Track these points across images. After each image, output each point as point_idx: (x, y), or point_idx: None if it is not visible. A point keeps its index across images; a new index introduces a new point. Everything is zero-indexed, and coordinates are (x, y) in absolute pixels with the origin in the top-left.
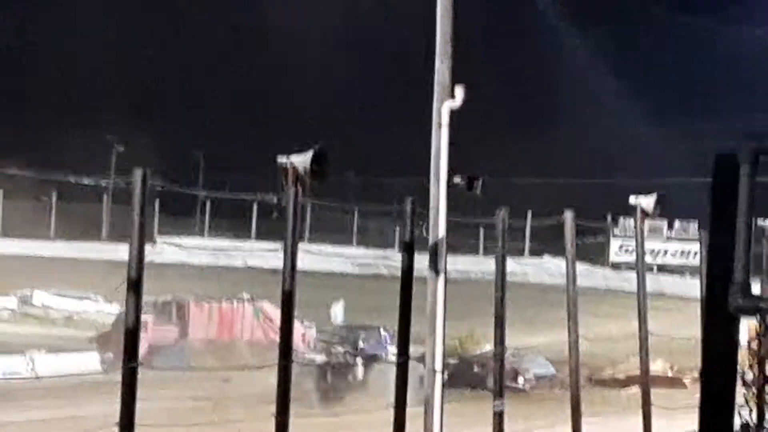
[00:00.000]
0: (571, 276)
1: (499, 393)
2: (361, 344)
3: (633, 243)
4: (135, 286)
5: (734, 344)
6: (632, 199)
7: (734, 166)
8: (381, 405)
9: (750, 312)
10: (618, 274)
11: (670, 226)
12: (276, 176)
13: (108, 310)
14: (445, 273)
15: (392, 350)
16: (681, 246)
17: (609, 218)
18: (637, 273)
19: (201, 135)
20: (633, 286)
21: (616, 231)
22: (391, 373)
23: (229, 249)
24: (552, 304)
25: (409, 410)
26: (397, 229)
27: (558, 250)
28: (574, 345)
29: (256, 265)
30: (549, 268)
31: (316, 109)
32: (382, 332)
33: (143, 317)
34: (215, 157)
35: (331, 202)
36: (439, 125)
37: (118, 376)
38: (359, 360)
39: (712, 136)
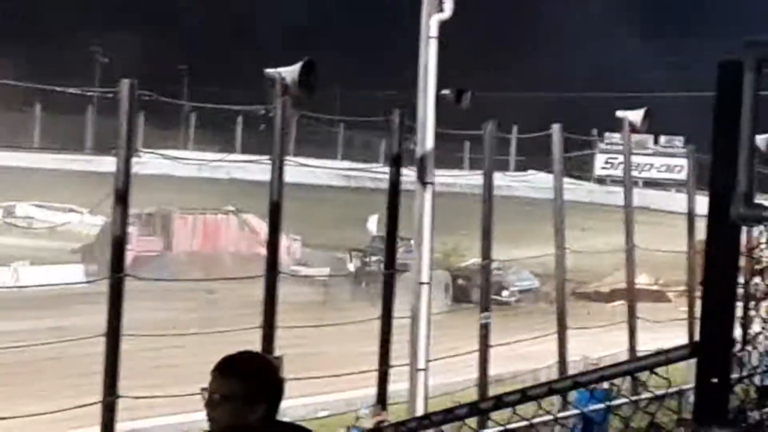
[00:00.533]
0: (559, 190)
1: (485, 306)
2: None
3: (619, 157)
4: (121, 198)
5: (736, 253)
6: (620, 114)
7: (738, 73)
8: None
9: (753, 220)
10: (603, 188)
11: (656, 140)
12: (263, 90)
13: (92, 222)
14: (433, 185)
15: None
16: (667, 161)
17: (595, 132)
18: (624, 187)
19: (186, 48)
20: (618, 200)
21: (602, 145)
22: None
23: (214, 161)
24: (537, 218)
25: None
26: (383, 142)
27: (543, 165)
28: (560, 258)
29: (240, 178)
30: (534, 183)
31: (302, 24)
32: (413, 243)
33: (128, 229)
34: (201, 71)
35: (317, 114)
36: (428, 37)
37: (101, 288)
38: None
39: (697, 51)
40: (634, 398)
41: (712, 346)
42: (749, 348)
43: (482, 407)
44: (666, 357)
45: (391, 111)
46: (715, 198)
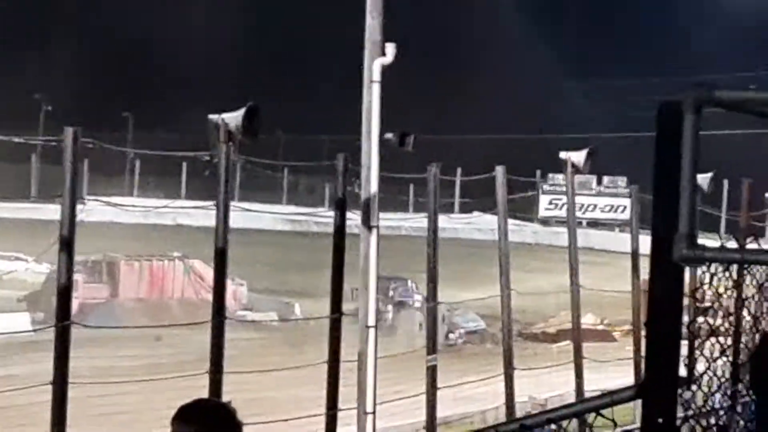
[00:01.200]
0: (503, 231)
1: (432, 348)
2: (391, 293)
3: (562, 198)
4: (66, 245)
5: (680, 294)
6: (563, 155)
7: (678, 114)
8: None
9: (696, 262)
10: (548, 229)
11: (599, 181)
12: (207, 135)
13: (38, 270)
14: (378, 229)
15: (418, 297)
16: (610, 201)
17: (538, 174)
18: (568, 227)
19: (130, 95)
20: (562, 241)
21: (546, 186)
22: (416, 317)
23: (159, 207)
24: (482, 259)
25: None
26: (327, 186)
27: (488, 206)
28: (506, 300)
29: (186, 224)
30: (479, 224)
31: (245, 68)
32: (410, 283)
33: (74, 276)
34: (144, 117)
35: (261, 160)
36: (371, 81)
37: (48, 336)
38: (390, 306)
39: (637, 92)
40: None
41: (657, 386)
42: (694, 388)
43: None
44: (611, 399)
45: (335, 155)
46: (658, 239)
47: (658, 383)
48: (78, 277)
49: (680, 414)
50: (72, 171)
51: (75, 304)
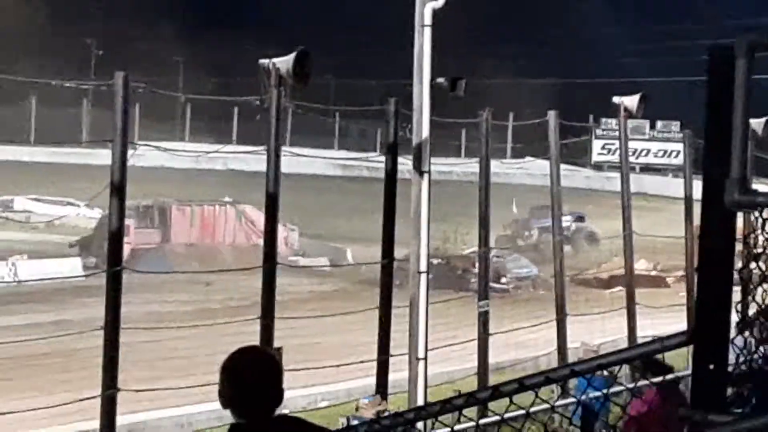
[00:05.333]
0: (555, 176)
1: (484, 294)
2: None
3: (615, 143)
4: (118, 190)
5: (731, 240)
6: (616, 99)
7: (730, 58)
8: None
9: (747, 206)
10: (600, 174)
11: (652, 126)
12: (256, 80)
13: (89, 215)
14: (429, 174)
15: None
16: (663, 146)
17: (591, 118)
18: (621, 173)
19: (182, 40)
20: (615, 186)
21: (599, 131)
22: None
23: (210, 152)
24: (532, 204)
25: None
26: (378, 131)
27: (540, 151)
28: (559, 245)
29: (237, 169)
30: (531, 169)
31: (294, 13)
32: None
33: (125, 221)
34: (197, 62)
35: (311, 104)
36: (422, 26)
37: (99, 281)
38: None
39: (690, 37)
40: (631, 385)
41: (709, 333)
42: (746, 334)
43: (479, 397)
44: (662, 345)
45: (386, 100)
46: (709, 184)
47: (710, 329)
48: (129, 222)
49: (732, 360)
50: (122, 115)
51: (126, 249)
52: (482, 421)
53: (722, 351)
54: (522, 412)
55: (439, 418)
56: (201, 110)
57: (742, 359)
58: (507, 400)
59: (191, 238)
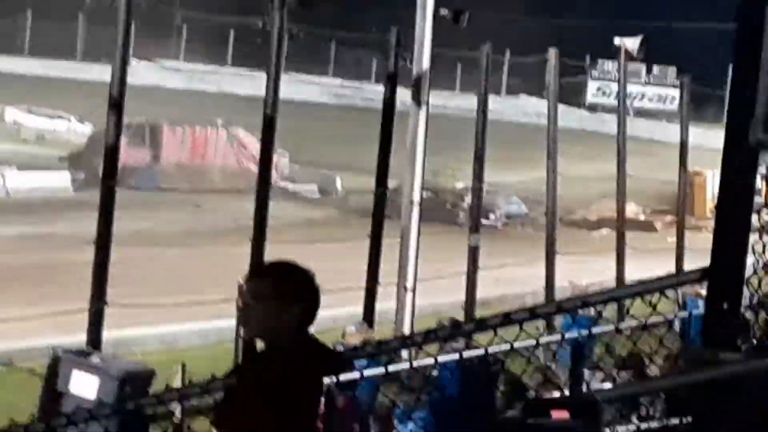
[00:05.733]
0: (553, 115)
1: (475, 228)
2: None
3: (611, 85)
4: (116, 106)
5: (753, 179)
6: (617, 40)
7: (761, 4)
8: None
9: None
10: (594, 116)
11: (649, 70)
12: (253, 3)
13: (80, 130)
14: (428, 105)
15: None
16: (659, 90)
17: (588, 59)
18: (618, 114)
19: None
20: (608, 129)
21: (594, 72)
22: None
23: (205, 73)
24: (526, 143)
25: None
26: (374, 60)
27: (534, 89)
28: (551, 183)
29: (231, 91)
30: (525, 107)
31: None
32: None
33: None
34: None
35: (312, 29)
36: None
37: (87, 196)
38: None
39: None
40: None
41: (723, 272)
42: (761, 274)
43: (465, 329)
44: (677, 279)
45: (383, 30)
46: (733, 122)
47: (725, 268)
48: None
49: (745, 301)
50: (125, 30)
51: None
52: (467, 353)
53: (736, 290)
54: (508, 346)
55: (425, 348)
56: (197, 32)
57: (756, 299)
58: (495, 333)
59: (182, 159)
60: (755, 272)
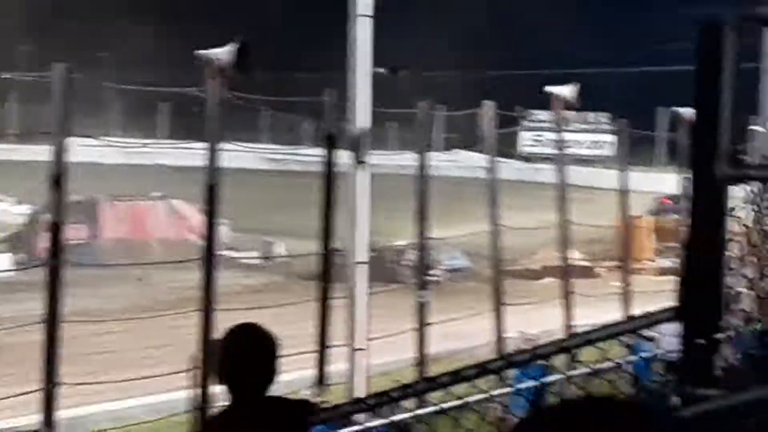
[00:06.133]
0: (493, 167)
1: (422, 284)
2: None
3: (544, 134)
4: (57, 183)
5: (721, 213)
6: (549, 89)
7: (718, 32)
8: None
9: (738, 179)
10: (529, 166)
11: (581, 117)
12: (185, 74)
13: (18, 211)
14: (368, 165)
15: None
16: (593, 137)
17: (519, 109)
18: (557, 163)
19: (106, 36)
20: (545, 178)
21: (527, 123)
22: None
23: (140, 146)
24: (463, 197)
25: None
26: (306, 124)
27: (468, 143)
28: (495, 235)
29: (166, 164)
30: (460, 162)
31: (224, 5)
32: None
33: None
34: (121, 57)
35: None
36: (358, 16)
37: (29, 276)
38: None
39: (618, 27)
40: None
41: (698, 307)
42: (734, 307)
43: (417, 388)
44: (651, 319)
45: (315, 93)
46: (699, 157)
47: (699, 303)
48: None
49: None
50: (62, 107)
51: None
52: (420, 411)
53: (712, 326)
54: (460, 401)
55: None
56: (130, 106)
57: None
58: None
59: (122, 234)
60: (727, 307)
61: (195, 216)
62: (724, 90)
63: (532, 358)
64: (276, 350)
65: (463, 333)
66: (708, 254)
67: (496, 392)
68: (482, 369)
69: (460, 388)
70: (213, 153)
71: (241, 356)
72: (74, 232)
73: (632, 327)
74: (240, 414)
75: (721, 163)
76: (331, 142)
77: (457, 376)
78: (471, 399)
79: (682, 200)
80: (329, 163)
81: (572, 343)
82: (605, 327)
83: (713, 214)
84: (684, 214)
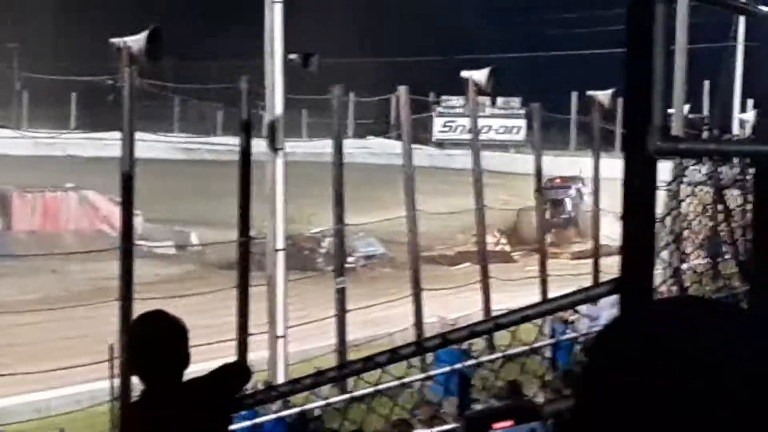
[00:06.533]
0: (408, 152)
1: (340, 271)
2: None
3: (457, 120)
4: None
5: (653, 187)
6: (464, 74)
7: (649, 5)
8: None
9: (669, 153)
10: (442, 152)
11: (493, 102)
12: (95, 64)
13: None
14: (284, 151)
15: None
16: (505, 122)
17: (432, 95)
18: (472, 148)
19: (17, 26)
20: (457, 164)
21: (440, 109)
22: None
23: (49, 137)
24: (377, 184)
25: None
26: (219, 113)
27: (380, 130)
28: (411, 221)
29: (77, 154)
30: (373, 148)
31: None
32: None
33: None
34: (30, 49)
35: (160, 84)
36: (273, 2)
37: None
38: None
39: (530, 12)
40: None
41: (634, 282)
42: (670, 282)
43: (329, 375)
44: (586, 294)
45: (225, 80)
46: (631, 132)
47: (634, 278)
48: None
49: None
50: None
51: None
52: (334, 398)
53: (648, 299)
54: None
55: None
56: (37, 97)
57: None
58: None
59: (33, 225)
60: (663, 281)
61: (107, 207)
62: (656, 63)
63: (518, 321)
64: (185, 335)
65: (382, 319)
66: (641, 228)
67: (410, 379)
68: (396, 354)
69: (376, 375)
70: (128, 142)
71: (150, 343)
72: None
73: (569, 302)
74: (157, 400)
75: (653, 137)
76: (246, 129)
77: (369, 362)
78: (383, 386)
79: (575, 181)
80: (245, 151)
81: (506, 320)
82: (540, 304)
83: (646, 189)
84: (573, 196)
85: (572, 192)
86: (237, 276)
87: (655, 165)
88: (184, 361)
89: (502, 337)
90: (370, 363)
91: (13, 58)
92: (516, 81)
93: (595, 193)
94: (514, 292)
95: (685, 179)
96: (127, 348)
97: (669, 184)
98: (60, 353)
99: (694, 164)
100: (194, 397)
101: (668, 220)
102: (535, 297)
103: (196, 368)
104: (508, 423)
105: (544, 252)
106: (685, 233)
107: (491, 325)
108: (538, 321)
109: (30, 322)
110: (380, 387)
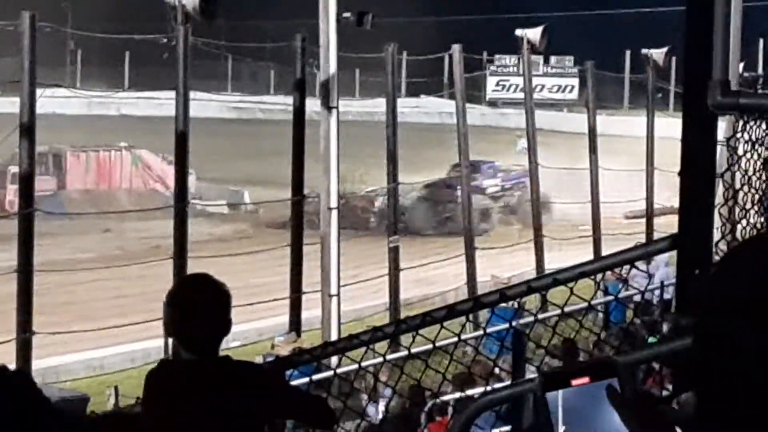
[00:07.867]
0: (462, 111)
1: (393, 230)
2: None
3: (510, 79)
4: (27, 133)
5: (713, 142)
6: (519, 32)
7: None
8: None
9: (730, 108)
10: (495, 111)
11: (546, 61)
12: (150, 20)
13: None
14: (338, 110)
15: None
16: (558, 81)
17: (485, 54)
18: (526, 107)
19: None
20: (510, 122)
21: (492, 68)
22: None
23: (103, 97)
24: (429, 144)
25: None
26: (272, 72)
27: (433, 89)
28: (467, 179)
29: (130, 114)
30: (426, 107)
31: None
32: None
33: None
34: (83, 8)
35: (212, 44)
36: None
37: None
38: None
39: None
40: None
41: (692, 237)
42: (730, 238)
43: (386, 332)
44: (646, 250)
45: (282, 41)
46: (690, 87)
47: (693, 234)
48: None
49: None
50: (30, 56)
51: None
52: (391, 356)
53: (706, 255)
54: (429, 346)
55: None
56: (91, 56)
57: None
58: (418, 336)
59: (87, 184)
60: (723, 237)
61: (161, 166)
62: (717, 17)
63: (576, 277)
64: (229, 301)
65: (435, 278)
66: (700, 184)
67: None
68: (454, 310)
69: (432, 332)
70: (182, 101)
71: (191, 307)
72: (40, 184)
73: (629, 258)
74: (188, 370)
75: (713, 92)
76: (301, 88)
77: (426, 319)
78: (441, 343)
79: None
80: (299, 109)
81: (563, 276)
82: (597, 260)
83: (705, 144)
84: None
85: None
86: (291, 234)
87: (716, 120)
88: (225, 328)
89: (554, 297)
90: (428, 318)
91: (66, 17)
92: (569, 39)
93: (649, 151)
94: (569, 251)
95: (744, 135)
96: (167, 309)
97: (728, 140)
98: (114, 311)
99: (754, 120)
100: (231, 375)
101: (727, 175)
102: (588, 255)
103: (249, 326)
104: (585, 379)
105: (598, 211)
106: (744, 189)
107: (549, 280)
108: (596, 278)
109: (84, 280)
110: (439, 344)
